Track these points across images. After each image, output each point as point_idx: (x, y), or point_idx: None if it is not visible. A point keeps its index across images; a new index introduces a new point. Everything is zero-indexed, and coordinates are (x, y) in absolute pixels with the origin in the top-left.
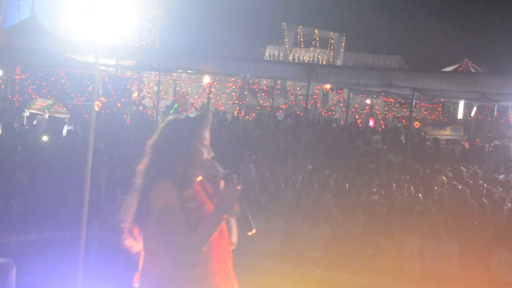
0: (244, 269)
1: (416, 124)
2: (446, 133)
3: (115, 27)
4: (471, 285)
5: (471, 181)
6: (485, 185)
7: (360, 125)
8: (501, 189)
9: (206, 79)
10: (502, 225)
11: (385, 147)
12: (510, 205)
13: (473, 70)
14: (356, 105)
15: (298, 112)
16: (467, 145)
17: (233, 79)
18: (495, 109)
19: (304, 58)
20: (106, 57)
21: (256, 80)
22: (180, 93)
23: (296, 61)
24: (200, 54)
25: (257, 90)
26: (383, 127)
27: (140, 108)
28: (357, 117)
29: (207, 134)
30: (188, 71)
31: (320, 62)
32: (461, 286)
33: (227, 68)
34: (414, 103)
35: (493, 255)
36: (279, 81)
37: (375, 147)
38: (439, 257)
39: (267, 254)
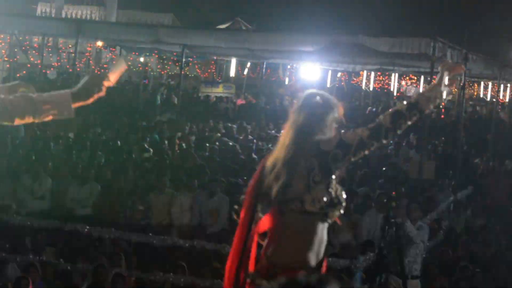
0: (10, 229)
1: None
2: (218, 91)
3: None
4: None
5: (241, 137)
6: (254, 140)
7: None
8: (270, 145)
9: None
10: None
11: (159, 104)
12: None
13: (244, 28)
14: (130, 63)
15: (71, 70)
16: (239, 102)
17: (2, 36)
18: (264, 66)
19: (77, 15)
20: None
21: (27, 38)
22: None
23: (69, 17)
24: None
25: (28, 47)
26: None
27: None
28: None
29: None
30: None
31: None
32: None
33: None
34: (185, 61)
35: None
36: (50, 38)
37: (150, 105)
38: (208, 212)
39: (36, 213)
